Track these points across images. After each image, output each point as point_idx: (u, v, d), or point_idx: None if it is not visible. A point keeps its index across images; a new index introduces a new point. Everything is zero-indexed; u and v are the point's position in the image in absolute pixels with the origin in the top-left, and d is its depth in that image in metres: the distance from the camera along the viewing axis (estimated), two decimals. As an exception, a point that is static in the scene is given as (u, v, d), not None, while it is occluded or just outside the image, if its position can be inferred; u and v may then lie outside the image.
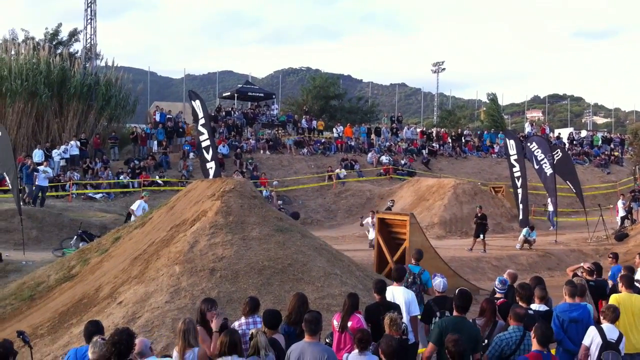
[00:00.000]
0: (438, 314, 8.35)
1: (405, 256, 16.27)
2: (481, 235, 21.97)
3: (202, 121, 18.77)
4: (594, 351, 7.41)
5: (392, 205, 25.81)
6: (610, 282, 11.03)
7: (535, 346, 6.68)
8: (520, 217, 24.19)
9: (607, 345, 7.34)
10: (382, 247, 17.55)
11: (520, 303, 8.34)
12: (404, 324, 8.17)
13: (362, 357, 6.62)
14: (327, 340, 7.74)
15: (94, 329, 6.79)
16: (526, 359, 6.55)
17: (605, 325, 7.59)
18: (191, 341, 6.73)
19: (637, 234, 23.99)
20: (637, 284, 10.26)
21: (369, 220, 22.17)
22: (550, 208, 28.67)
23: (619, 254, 14.23)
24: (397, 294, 8.84)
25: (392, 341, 6.19)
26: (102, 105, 34.82)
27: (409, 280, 11.16)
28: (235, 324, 7.66)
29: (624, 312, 8.31)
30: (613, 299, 8.32)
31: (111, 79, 36.01)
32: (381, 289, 8.34)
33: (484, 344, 7.44)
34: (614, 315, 7.63)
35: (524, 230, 22.80)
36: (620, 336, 7.51)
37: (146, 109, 43.60)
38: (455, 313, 7.37)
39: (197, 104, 18.73)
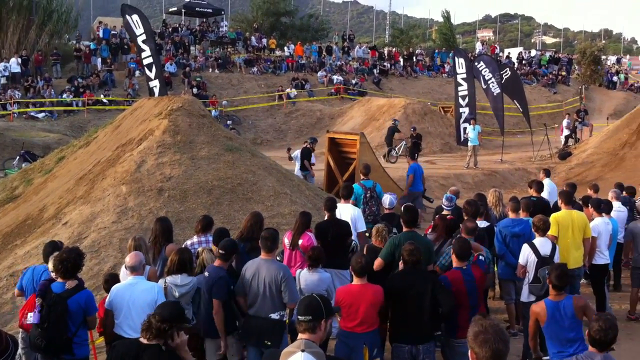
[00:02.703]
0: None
1: (355, 175, 16.38)
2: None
3: (142, 37, 17.99)
4: (531, 268, 7.52)
5: (395, 125, 23.61)
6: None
7: (455, 262, 6.60)
8: (463, 137, 24.28)
9: (543, 261, 7.43)
10: (331, 166, 17.59)
11: (466, 219, 8.51)
12: (353, 242, 8.28)
13: (313, 274, 6.71)
14: (278, 258, 7.80)
15: (51, 249, 6.84)
16: (445, 278, 6.46)
17: (538, 239, 7.70)
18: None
19: (579, 152, 24.63)
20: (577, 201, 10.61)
21: (297, 153, 17.69)
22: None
23: None
24: (343, 211, 8.88)
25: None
26: (43, 20, 33.23)
27: (367, 196, 11.16)
28: (188, 243, 7.66)
29: (564, 229, 8.43)
30: (553, 217, 8.40)
31: (52, -10, 34.25)
32: (331, 207, 8.37)
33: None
34: (545, 226, 7.72)
35: (470, 140, 22.89)
36: (554, 248, 7.65)
37: (89, 25, 41.80)
38: (405, 229, 7.43)
39: (134, 18, 17.90)
